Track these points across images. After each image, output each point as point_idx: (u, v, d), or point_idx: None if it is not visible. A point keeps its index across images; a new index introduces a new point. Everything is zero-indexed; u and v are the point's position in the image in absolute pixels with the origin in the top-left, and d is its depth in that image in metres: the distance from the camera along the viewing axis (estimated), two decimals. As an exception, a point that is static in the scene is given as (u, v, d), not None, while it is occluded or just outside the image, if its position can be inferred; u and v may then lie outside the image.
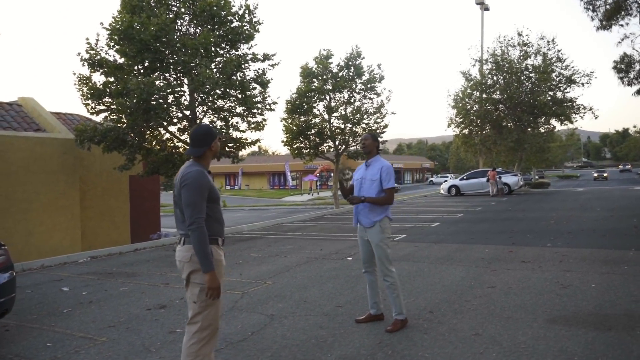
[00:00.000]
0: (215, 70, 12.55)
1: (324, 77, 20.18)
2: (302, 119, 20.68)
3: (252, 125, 14.28)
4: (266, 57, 14.01)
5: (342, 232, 12.85)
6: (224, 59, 12.20)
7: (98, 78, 12.62)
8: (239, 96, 13.39)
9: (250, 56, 13.68)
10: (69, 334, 4.95)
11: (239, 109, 13.67)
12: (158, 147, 13.23)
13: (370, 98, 20.90)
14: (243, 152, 15.06)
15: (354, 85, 20.46)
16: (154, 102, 11.72)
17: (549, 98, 28.03)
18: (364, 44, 42.16)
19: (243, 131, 14.63)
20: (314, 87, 19.99)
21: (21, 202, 12.30)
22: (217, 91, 12.49)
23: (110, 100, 12.30)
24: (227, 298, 6.15)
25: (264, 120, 14.55)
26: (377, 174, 4.71)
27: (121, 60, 12.38)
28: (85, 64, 12.14)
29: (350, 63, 20.25)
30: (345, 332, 4.64)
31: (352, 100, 20.85)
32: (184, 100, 13.16)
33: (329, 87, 20.21)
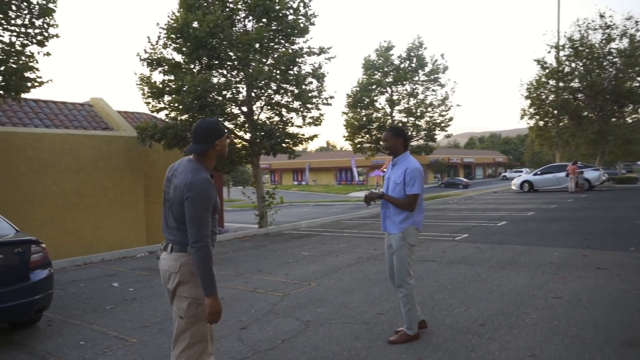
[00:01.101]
0: (269, 64, 12.41)
1: (385, 69, 19.58)
2: (364, 113, 20.21)
3: (309, 121, 14.03)
4: (322, 50, 13.69)
5: (401, 231, 12.30)
6: (278, 53, 12.02)
7: (158, 77, 12.88)
8: (296, 91, 13.18)
9: (305, 50, 13.42)
10: (104, 333, 4.91)
11: (295, 104, 13.46)
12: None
13: (433, 90, 20.02)
14: (300, 148, 14.87)
15: (417, 77, 19.68)
16: (209, 99, 11.77)
17: (638, 84, 25.50)
18: (427, 34, 40.66)
19: (300, 126, 14.44)
20: (375, 79, 19.45)
21: (90, 198, 12.84)
22: (272, 86, 12.35)
23: (169, 98, 12.53)
24: (265, 300, 5.92)
25: (321, 115, 14.27)
26: (401, 177, 4.12)
27: (178, 58, 12.58)
28: (145, 63, 12.44)
29: (412, 54, 19.51)
30: (382, 345, 4.23)
31: (414, 93, 20.07)
32: (241, 96, 13.16)
33: (390, 79, 19.59)
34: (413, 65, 19.58)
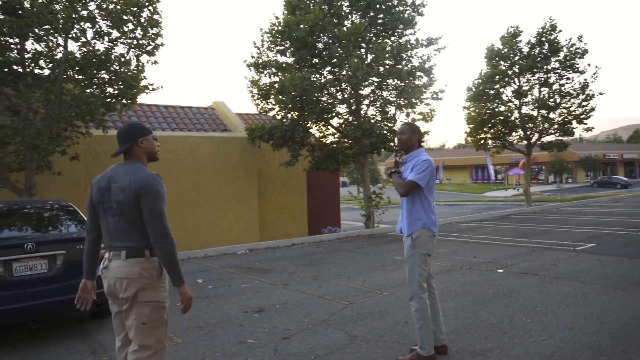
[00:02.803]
0: (372, 60, 11.99)
1: (512, 57, 17.80)
2: (487, 107, 18.64)
3: (416, 117, 13.30)
4: (430, 41, 12.87)
5: (516, 237, 11.02)
6: (377, 47, 11.54)
7: (266, 79, 13.24)
8: (402, 85, 12.56)
9: (412, 42, 12.73)
10: (159, 330, 5.04)
11: (401, 100, 12.83)
12: (318, 142, 13.32)
13: (568, 78, 17.66)
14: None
15: (549, 65, 17.53)
16: (313, 98, 11.76)
17: None
18: (560, 15, 35.94)
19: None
20: (499, 70, 17.80)
21: (207, 195, 13.70)
22: (373, 82, 11.93)
23: (274, 99, 12.82)
24: (326, 308, 5.61)
25: (432, 111, 13.42)
26: (408, 171, 3.79)
27: (281, 60, 12.80)
28: (252, 67, 12.88)
29: (543, 39, 17.43)
30: (419, 374, 3.65)
31: (547, 82, 17.92)
32: (346, 94, 12.94)
33: (516, 69, 17.76)
34: (544, 51, 17.49)
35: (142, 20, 9.18)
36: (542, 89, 18.13)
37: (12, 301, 4.44)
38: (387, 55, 11.94)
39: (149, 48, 9.46)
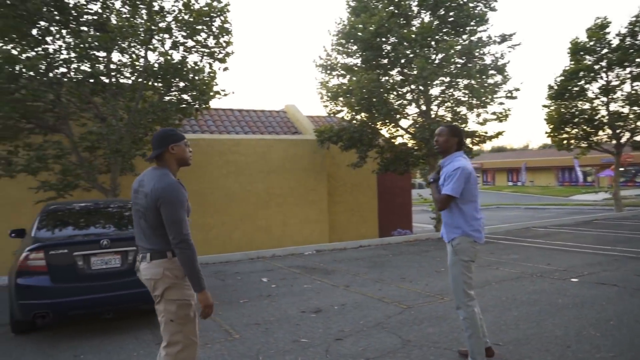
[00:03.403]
0: (441, 59, 11.70)
1: (599, 51, 16.55)
2: (570, 105, 17.47)
3: (489, 117, 12.77)
4: (504, 38, 12.32)
5: (598, 244, 10.27)
6: (445, 46, 11.22)
7: (335, 81, 13.34)
8: (473, 84, 12.15)
9: (484, 39, 12.25)
10: (219, 326, 5.28)
11: (472, 100, 12.39)
12: (387, 144, 13.21)
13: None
14: (481, 147, 13.64)
15: (643, 56, 16.06)
16: (377, 99, 11.71)
17: None
18: None
19: (481, 123, 13.27)
20: (583, 64, 16.62)
21: (278, 197, 14.05)
22: (441, 82, 11.63)
23: (342, 100, 12.89)
24: (384, 311, 5.58)
25: (506, 110, 12.84)
26: (442, 179, 3.77)
27: (346, 61, 12.83)
28: (320, 69, 13.04)
29: (636, 29, 16.01)
30: (469, 383, 3.54)
31: (641, 76, 16.44)
32: (414, 94, 12.74)
33: (604, 63, 16.49)
34: (638, 42, 16.06)
35: (214, 29, 9.63)
36: (635, 83, 16.68)
37: (90, 292, 4.87)
38: (456, 54, 11.60)
39: (220, 56, 9.90)
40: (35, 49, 8.40)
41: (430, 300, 6.01)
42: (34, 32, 8.24)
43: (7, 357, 4.56)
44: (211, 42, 9.72)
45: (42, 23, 8.26)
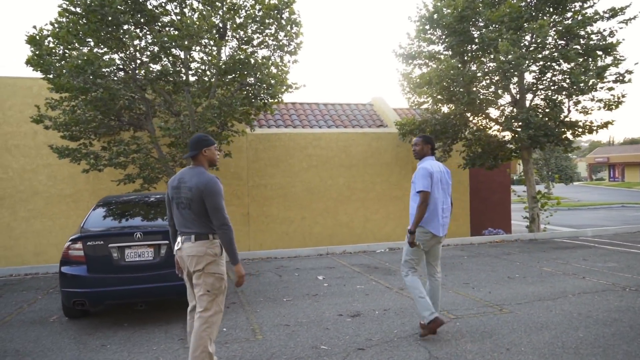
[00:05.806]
0: (529, 42, 10.48)
1: None
2: None
3: (594, 105, 11.24)
4: (614, 12, 10.71)
5: None
6: (535, 26, 9.94)
7: (416, 71, 12.62)
8: (573, 68, 10.74)
9: (590, 15, 10.73)
10: (248, 324, 5.16)
11: (574, 87, 10.92)
12: (474, 136, 12.21)
13: None
14: (582, 139, 12.08)
15: None
16: (457, 88, 10.86)
17: None
18: None
19: (588, 112, 11.73)
20: None
21: (360, 192, 13.74)
22: (532, 67, 10.41)
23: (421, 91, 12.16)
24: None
25: (617, 97, 11.19)
26: (413, 179, 4.61)
27: (429, 49, 12.04)
28: (401, 58, 12.42)
29: None
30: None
31: None
32: (503, 82, 11.63)
33: None
34: None
35: (283, 22, 9.56)
36: None
37: (123, 283, 5.02)
38: (557, 35, 10.29)
39: (290, 48, 9.82)
40: (116, 51, 8.97)
41: (485, 312, 5.35)
42: (114, 34, 8.78)
43: (43, 339, 4.84)
44: (281, 35, 9.68)
45: (124, 26, 8.78)
